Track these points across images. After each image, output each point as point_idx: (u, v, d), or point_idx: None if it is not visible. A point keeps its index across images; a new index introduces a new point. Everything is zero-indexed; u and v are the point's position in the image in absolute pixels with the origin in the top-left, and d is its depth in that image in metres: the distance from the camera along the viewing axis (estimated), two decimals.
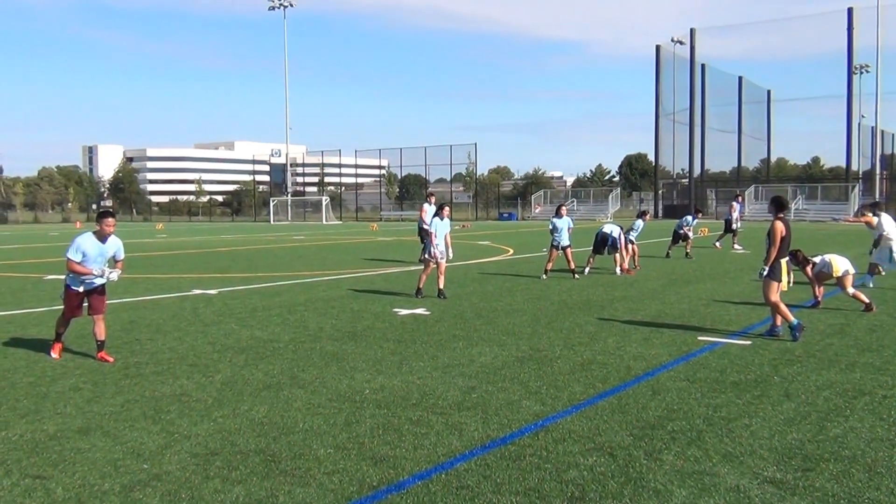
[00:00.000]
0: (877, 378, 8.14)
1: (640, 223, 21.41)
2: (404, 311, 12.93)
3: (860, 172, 74.49)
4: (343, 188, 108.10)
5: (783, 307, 10.29)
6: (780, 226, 10.27)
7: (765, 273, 10.42)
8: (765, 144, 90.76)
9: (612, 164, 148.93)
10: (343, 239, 39.51)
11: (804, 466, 5.56)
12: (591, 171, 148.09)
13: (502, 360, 9.13)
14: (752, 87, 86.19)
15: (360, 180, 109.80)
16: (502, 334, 10.83)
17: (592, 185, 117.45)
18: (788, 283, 10.52)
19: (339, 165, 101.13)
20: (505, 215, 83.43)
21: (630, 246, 20.35)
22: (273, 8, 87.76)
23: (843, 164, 74.43)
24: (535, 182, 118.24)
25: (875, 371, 8.45)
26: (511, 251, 28.37)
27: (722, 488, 5.15)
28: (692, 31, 78.55)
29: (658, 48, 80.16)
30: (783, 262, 10.32)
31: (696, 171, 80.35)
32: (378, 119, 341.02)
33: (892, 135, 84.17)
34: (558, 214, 18.38)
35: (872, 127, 74.61)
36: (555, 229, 18.22)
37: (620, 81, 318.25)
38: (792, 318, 10.20)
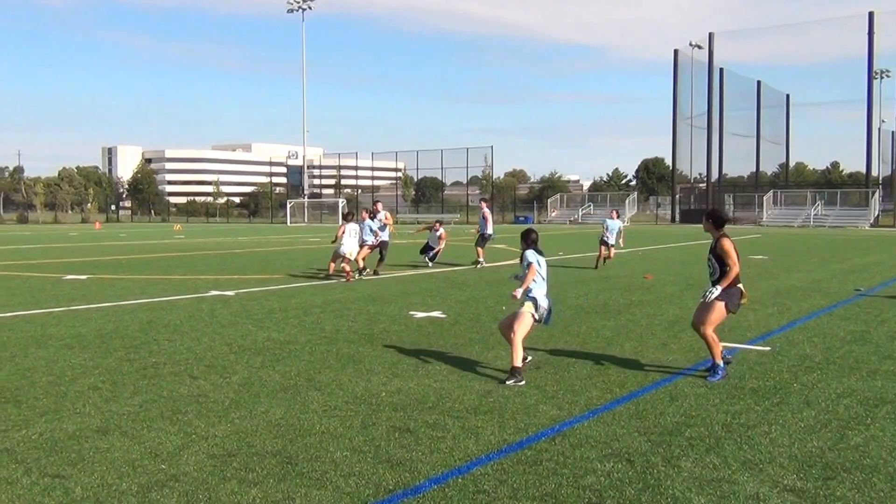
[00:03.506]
0: None
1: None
2: (420, 314, 12.93)
3: (880, 178, 73.91)
4: (359, 190, 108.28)
5: (717, 342, 8.35)
6: (732, 242, 8.37)
7: (715, 295, 8.25)
8: (783, 149, 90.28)
9: (629, 169, 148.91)
10: None
11: (824, 475, 5.50)
12: (607, 174, 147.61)
13: None
14: (770, 91, 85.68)
15: (376, 183, 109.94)
16: None
17: (609, 189, 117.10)
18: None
19: (356, 168, 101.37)
20: (521, 218, 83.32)
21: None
22: (291, 10, 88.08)
23: (863, 170, 73.92)
24: (551, 185, 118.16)
25: None
26: None
27: (741, 496, 5.11)
28: (711, 36, 78.22)
29: (676, 52, 79.88)
30: (741, 287, 8.43)
31: (714, 175, 79.97)
32: (395, 121, 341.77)
33: None
34: (362, 219, 20.58)
35: (893, 132, 74.10)
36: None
37: (638, 85, 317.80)
38: (720, 359, 8.30)
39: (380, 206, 22.92)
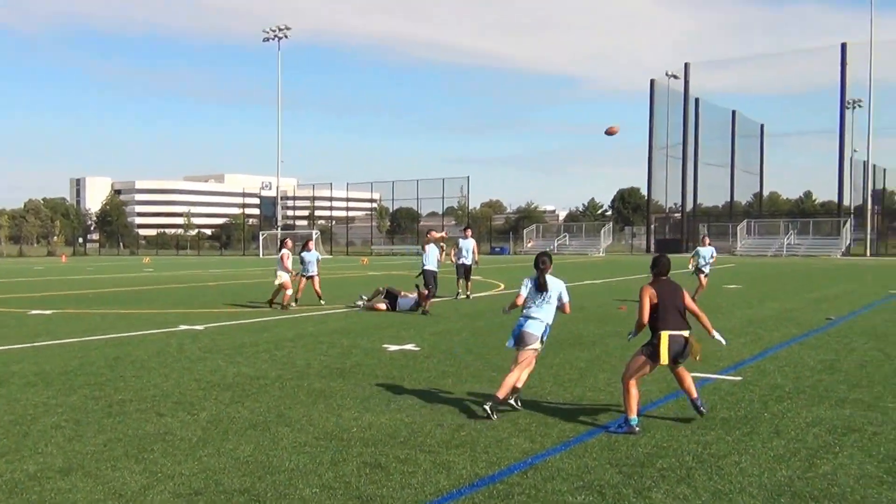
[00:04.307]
0: (866, 415, 8.09)
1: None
2: (394, 347, 12.85)
3: (852, 207, 74.84)
4: (334, 221, 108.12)
5: (633, 394, 7.72)
6: (648, 290, 7.96)
7: (630, 337, 8.49)
8: (757, 179, 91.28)
9: (605, 198, 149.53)
10: (333, 273, 39.40)
11: None
12: (583, 205, 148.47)
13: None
14: (745, 120, 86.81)
15: (351, 213, 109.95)
16: (492, 371, 10.75)
17: (585, 220, 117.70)
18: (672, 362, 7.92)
19: (331, 199, 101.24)
20: (497, 249, 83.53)
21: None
22: (268, 39, 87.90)
23: (836, 199, 74.89)
24: (527, 216, 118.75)
25: (865, 407, 8.41)
26: (502, 286, 28.31)
27: None
28: (686, 66, 79.45)
29: (652, 82, 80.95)
30: (664, 335, 7.78)
31: (689, 205, 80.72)
32: (371, 152, 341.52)
33: (884, 170, 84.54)
34: (306, 248, 20.53)
35: (864, 162, 75.04)
36: (302, 262, 20.47)
37: (615, 115, 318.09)
38: (634, 413, 7.63)
39: (311, 243, 21.35)
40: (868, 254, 65.40)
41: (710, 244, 22.18)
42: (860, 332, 14.41)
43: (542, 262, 8.57)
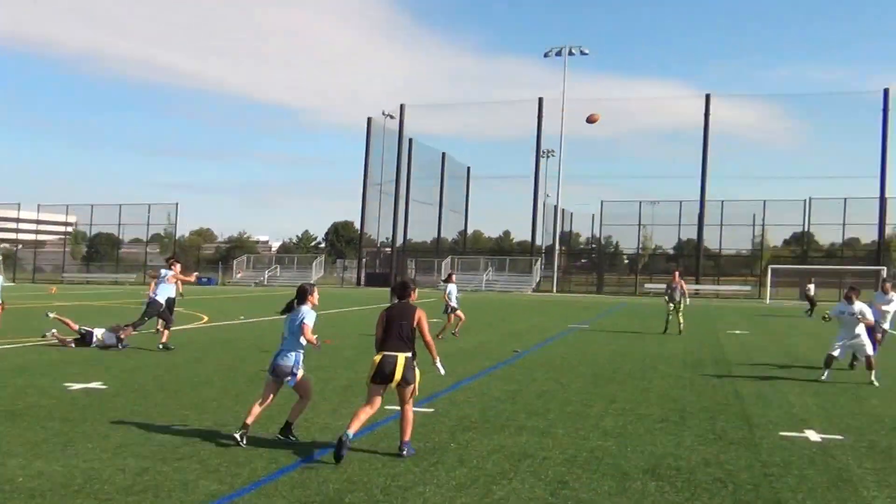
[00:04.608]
0: (540, 441, 8.74)
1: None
2: (77, 386, 11.97)
3: (543, 247, 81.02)
4: (20, 245, 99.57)
5: (360, 416, 8.10)
6: (381, 315, 8.51)
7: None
8: (462, 217, 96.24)
9: (320, 231, 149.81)
10: (13, 303, 36.16)
11: None
12: (297, 236, 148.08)
13: (182, 436, 8.71)
14: (453, 162, 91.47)
15: (41, 237, 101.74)
16: (185, 409, 10.35)
17: (298, 251, 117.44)
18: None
19: (17, 220, 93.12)
20: (203, 280, 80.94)
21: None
22: None
23: (529, 239, 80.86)
24: (239, 245, 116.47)
25: (539, 434, 9.08)
26: (206, 318, 27.45)
27: None
28: (402, 107, 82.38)
29: (369, 120, 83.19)
30: (378, 356, 8.26)
31: (399, 240, 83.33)
32: (68, 172, 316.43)
33: (571, 213, 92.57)
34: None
35: (555, 206, 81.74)
36: None
37: (332, 150, 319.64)
38: (351, 430, 7.92)
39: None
40: (554, 290, 70.94)
41: (454, 281, 22.95)
42: (541, 363, 15.58)
43: (300, 292, 8.88)
